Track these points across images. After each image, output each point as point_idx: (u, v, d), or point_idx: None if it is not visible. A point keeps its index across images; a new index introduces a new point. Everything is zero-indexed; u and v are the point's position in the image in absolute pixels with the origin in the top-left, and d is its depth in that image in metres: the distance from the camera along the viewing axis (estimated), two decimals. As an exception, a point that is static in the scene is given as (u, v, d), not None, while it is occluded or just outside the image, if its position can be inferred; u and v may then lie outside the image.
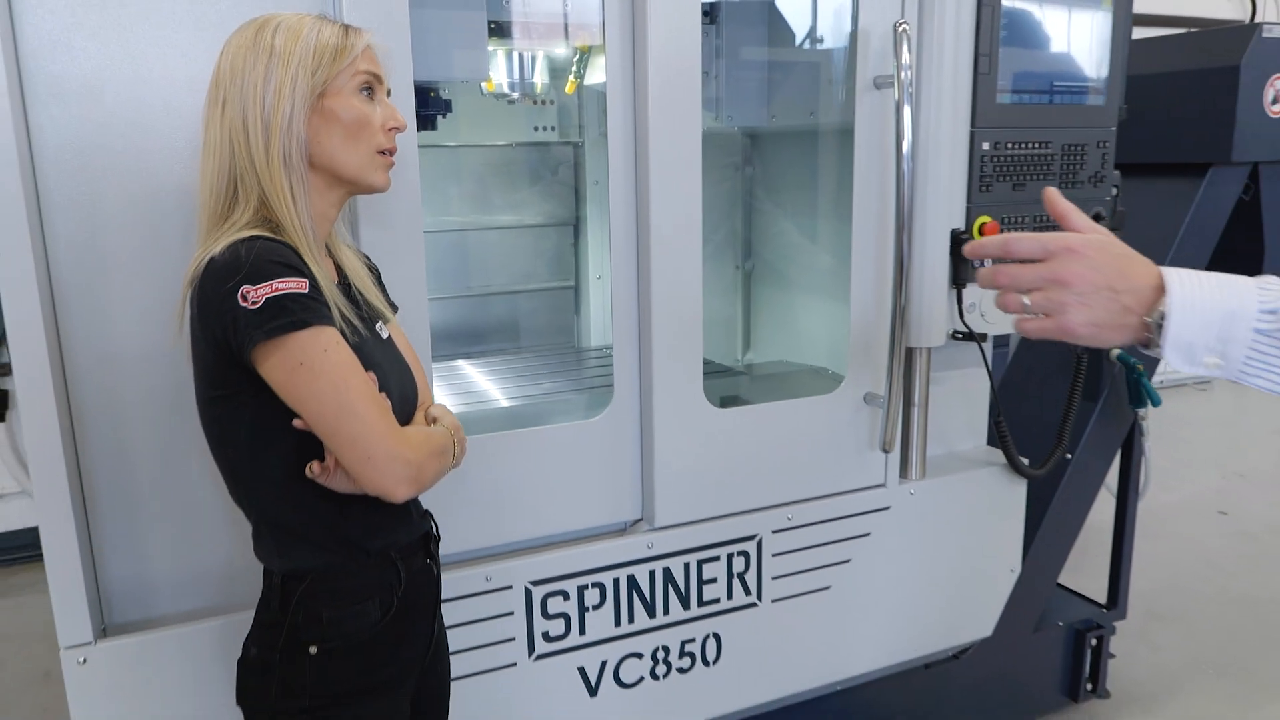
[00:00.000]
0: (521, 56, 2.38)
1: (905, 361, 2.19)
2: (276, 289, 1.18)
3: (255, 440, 1.29)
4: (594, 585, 2.01)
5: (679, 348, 1.99)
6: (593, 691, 2.05)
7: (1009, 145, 2.16)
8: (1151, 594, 3.73)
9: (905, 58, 1.97)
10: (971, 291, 2.16)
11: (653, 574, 2.06)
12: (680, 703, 2.16)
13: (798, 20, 2.57)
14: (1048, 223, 1.81)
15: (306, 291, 1.21)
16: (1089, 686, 2.96)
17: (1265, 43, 2.48)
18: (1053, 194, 1.11)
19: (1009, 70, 2.13)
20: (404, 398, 1.40)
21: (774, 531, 2.17)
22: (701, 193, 1.96)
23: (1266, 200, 2.68)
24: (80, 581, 1.60)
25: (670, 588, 2.09)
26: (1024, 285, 1.06)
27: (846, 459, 2.24)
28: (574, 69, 2.52)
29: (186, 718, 1.69)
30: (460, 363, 2.68)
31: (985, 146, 2.13)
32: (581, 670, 2.03)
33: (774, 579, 2.19)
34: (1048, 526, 2.68)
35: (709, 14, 2.48)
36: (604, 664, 2.05)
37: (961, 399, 2.50)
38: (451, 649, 1.69)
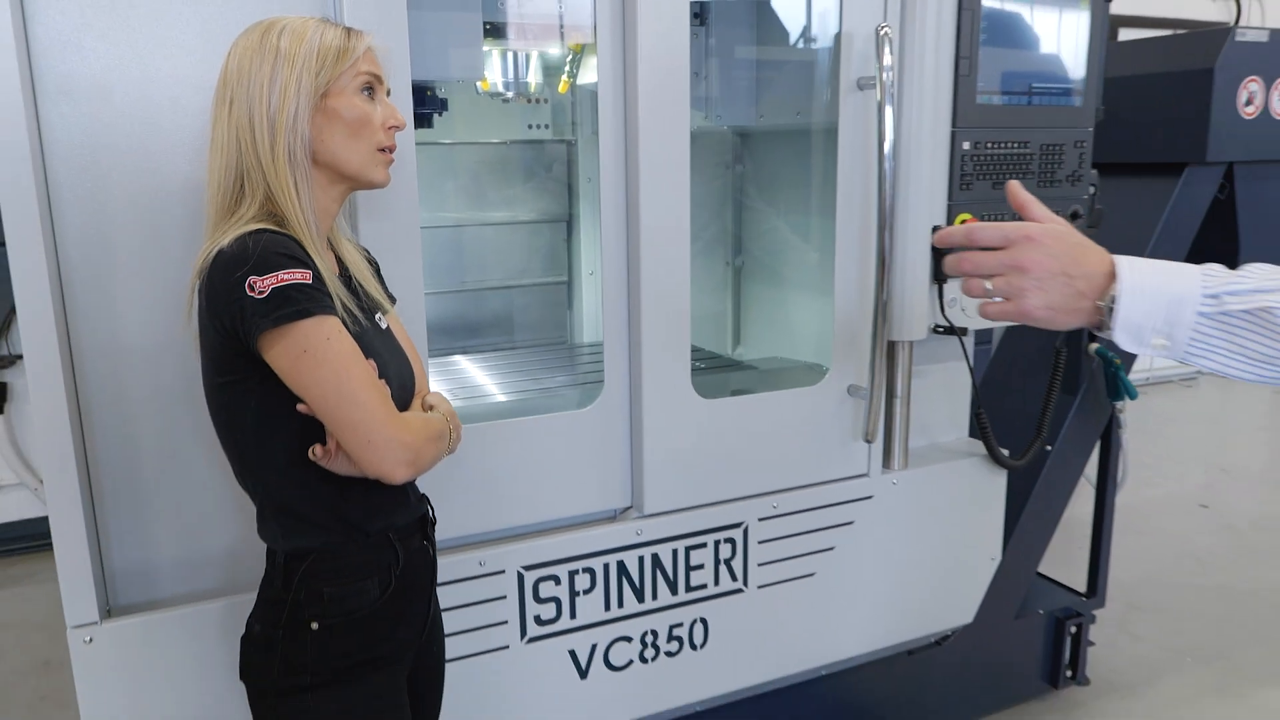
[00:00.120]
0: (516, 56, 2.44)
1: (888, 355, 2.25)
2: (282, 279, 1.24)
3: (261, 425, 1.34)
4: (584, 570, 2.07)
5: (668, 340, 2.05)
6: (583, 674, 2.11)
7: (989, 145, 2.22)
8: (1132, 586, 3.80)
9: (887, 60, 2.03)
10: (953, 287, 2.22)
11: (642, 560, 2.12)
12: (668, 685, 2.22)
13: (785, 22, 2.63)
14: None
15: (310, 282, 1.27)
16: (1069, 673, 3.04)
17: (1238, 46, 2.55)
18: (1014, 186, 1.18)
19: (989, 72, 2.19)
20: (402, 385, 1.46)
21: (760, 519, 2.23)
22: (692, 190, 2.02)
23: (1241, 199, 2.75)
24: (87, 562, 1.65)
25: (659, 573, 2.15)
26: (986, 271, 1.14)
27: (831, 449, 2.31)
28: (567, 69, 2.58)
29: (190, 695, 1.74)
30: (456, 358, 2.74)
31: (966, 146, 2.19)
32: (572, 653, 2.09)
33: (760, 565, 2.25)
34: (1028, 516, 2.75)
35: (699, 16, 2.54)
36: (594, 647, 2.11)
37: (944, 392, 2.56)
38: (446, 631, 1.74)
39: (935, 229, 2.20)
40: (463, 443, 1.55)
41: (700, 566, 2.19)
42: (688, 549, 2.17)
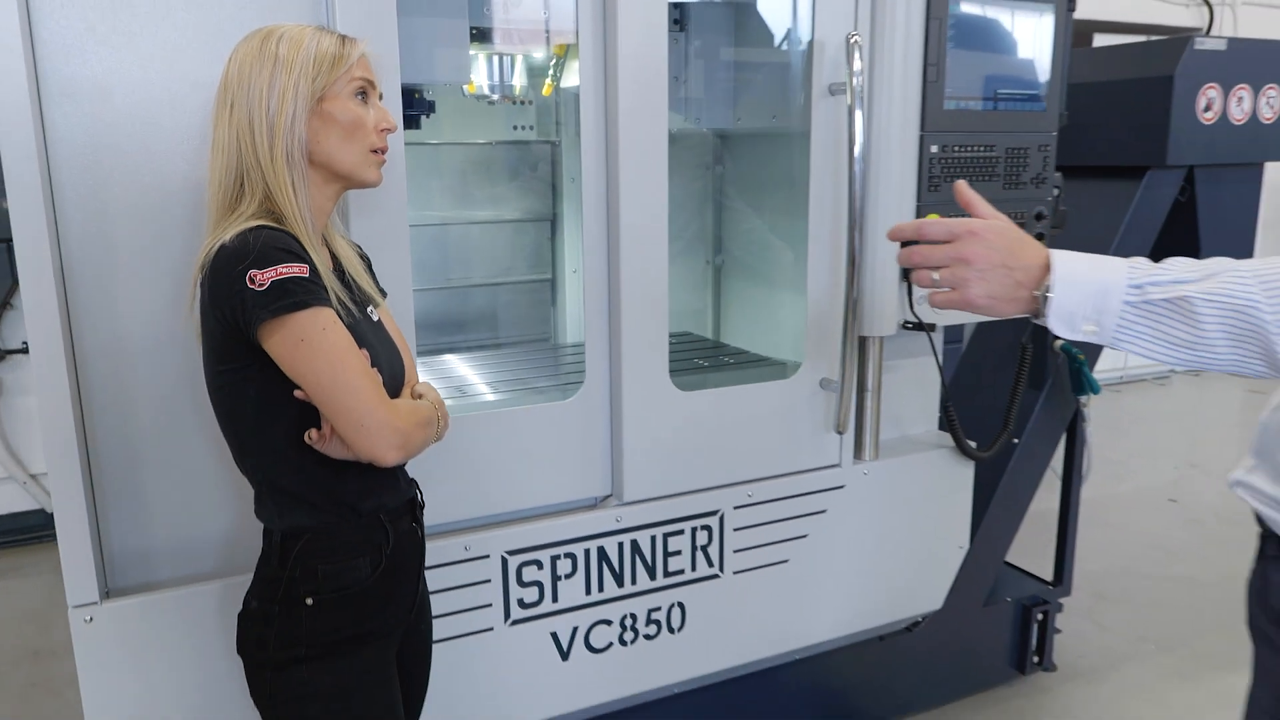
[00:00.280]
0: (501, 60, 2.51)
1: (859, 349, 2.35)
2: (281, 273, 1.32)
3: (260, 411, 1.42)
4: (566, 556, 2.15)
5: (647, 335, 2.14)
6: (564, 656, 2.19)
7: (956, 148, 2.31)
8: (1099, 577, 3.91)
9: (857, 66, 2.12)
10: (921, 284, 2.31)
11: (621, 546, 2.20)
12: (647, 668, 2.30)
13: (762, 29, 2.71)
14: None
15: (307, 276, 1.35)
16: (1035, 659, 3.14)
17: (1197, 54, 2.66)
18: (961, 185, 1.28)
19: (956, 78, 2.28)
20: (393, 374, 1.54)
21: (735, 507, 2.31)
22: (673, 190, 2.10)
23: (1201, 201, 2.85)
24: (88, 544, 1.72)
25: (638, 559, 2.23)
26: (934, 263, 1.23)
27: (804, 440, 2.39)
28: (551, 72, 2.66)
29: (187, 672, 1.81)
30: (445, 357, 2.80)
31: (934, 149, 2.28)
32: (554, 635, 2.17)
33: (735, 552, 2.34)
34: (995, 506, 2.84)
35: (678, 21, 2.62)
36: (575, 630, 2.19)
37: (914, 385, 2.66)
38: (433, 613, 1.82)
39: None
40: (450, 432, 1.62)
41: (678, 553, 2.27)
42: (666, 535, 2.25)
